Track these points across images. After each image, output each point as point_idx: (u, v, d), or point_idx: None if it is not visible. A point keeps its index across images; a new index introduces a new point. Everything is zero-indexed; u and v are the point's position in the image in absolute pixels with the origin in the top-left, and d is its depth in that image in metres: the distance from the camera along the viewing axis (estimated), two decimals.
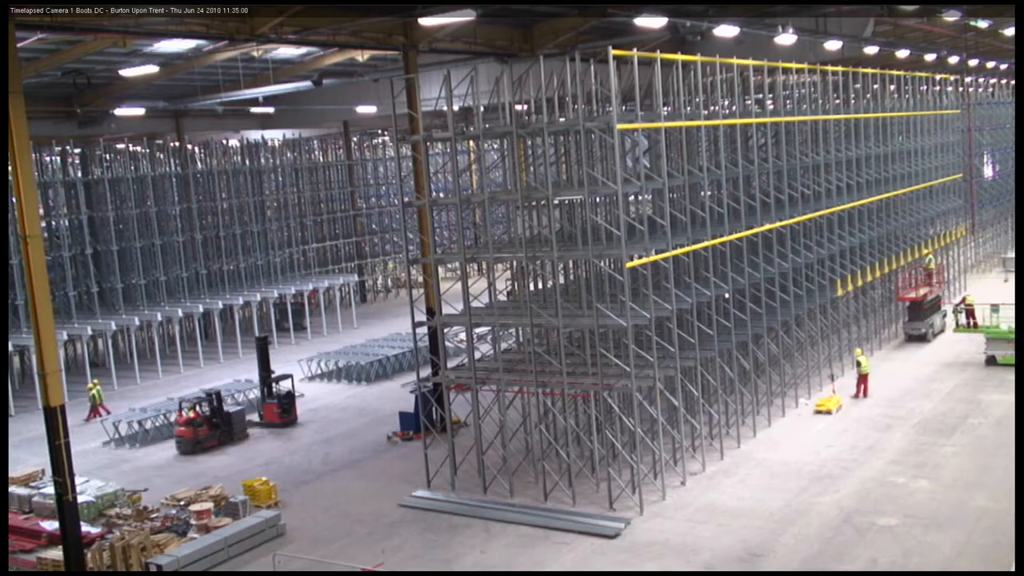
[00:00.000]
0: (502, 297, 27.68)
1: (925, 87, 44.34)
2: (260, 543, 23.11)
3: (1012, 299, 32.69)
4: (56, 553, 22.47)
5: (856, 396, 31.03)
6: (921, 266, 39.86)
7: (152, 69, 37.24)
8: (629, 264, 23.16)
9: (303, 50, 41.85)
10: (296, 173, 56.49)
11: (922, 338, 37.68)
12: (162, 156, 51.11)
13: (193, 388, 39.77)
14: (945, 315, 39.11)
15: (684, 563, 20.47)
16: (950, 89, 48.05)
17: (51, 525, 24.15)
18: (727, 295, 27.25)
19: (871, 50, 42.34)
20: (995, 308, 34.31)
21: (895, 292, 39.13)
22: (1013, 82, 62.79)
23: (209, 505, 24.75)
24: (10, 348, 38.58)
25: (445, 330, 26.95)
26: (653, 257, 23.77)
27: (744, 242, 27.85)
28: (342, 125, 63.95)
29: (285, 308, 50.77)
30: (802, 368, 32.25)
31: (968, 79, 55.34)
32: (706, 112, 27.76)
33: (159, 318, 44.43)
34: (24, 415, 37.13)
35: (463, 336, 27.19)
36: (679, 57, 27.21)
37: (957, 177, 47.66)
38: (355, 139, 65.42)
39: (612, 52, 22.40)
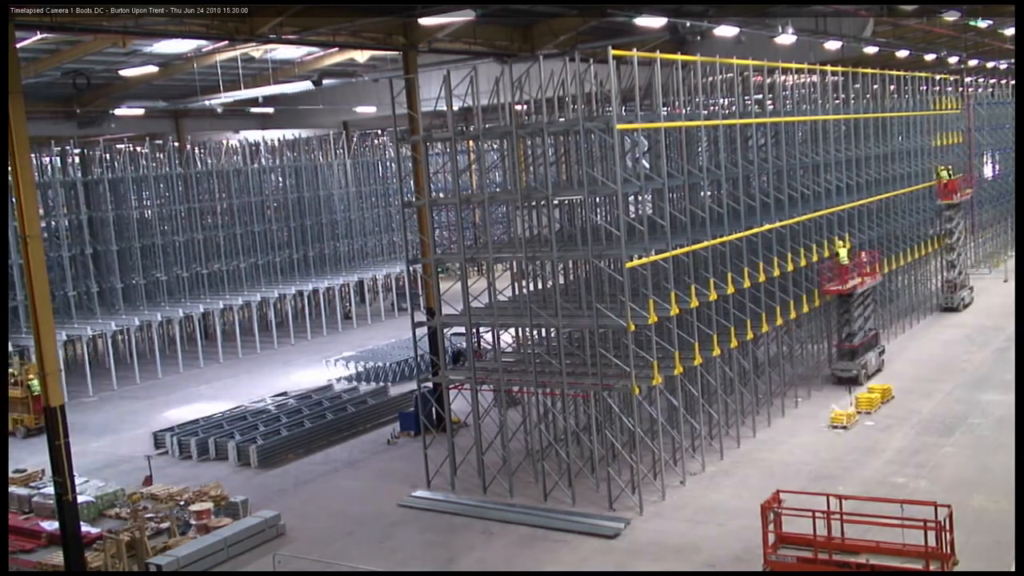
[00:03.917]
0: (503, 297, 27.66)
1: (925, 87, 44.37)
2: (260, 543, 23.11)
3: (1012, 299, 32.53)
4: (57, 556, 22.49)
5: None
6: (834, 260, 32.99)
7: (152, 69, 37.27)
8: (629, 264, 23.17)
9: (303, 50, 41.87)
10: (296, 173, 56.48)
11: (853, 380, 32.29)
12: (162, 156, 51.11)
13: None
14: (883, 351, 34.84)
15: (684, 563, 20.48)
16: (950, 89, 48.06)
17: (51, 525, 24.15)
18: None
19: (871, 50, 42.35)
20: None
21: (819, 286, 32.50)
22: (1013, 82, 62.79)
23: (209, 505, 24.77)
24: (10, 348, 38.56)
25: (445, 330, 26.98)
26: (653, 257, 23.77)
27: (744, 242, 27.84)
28: (342, 125, 63.98)
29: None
30: (802, 368, 32.25)
31: (968, 79, 55.36)
32: (706, 112, 27.77)
33: (159, 318, 44.47)
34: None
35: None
36: (679, 57, 27.21)
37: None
38: (354, 138, 65.46)
39: (612, 52, 22.42)
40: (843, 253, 32.86)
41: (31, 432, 34.37)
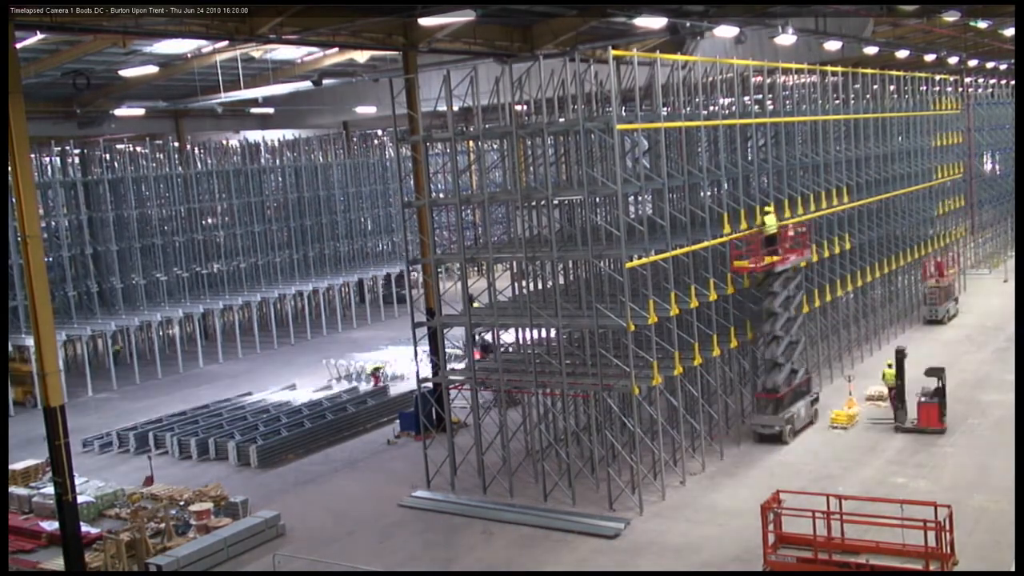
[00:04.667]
0: (503, 297, 27.66)
1: (925, 87, 44.36)
2: (260, 543, 23.11)
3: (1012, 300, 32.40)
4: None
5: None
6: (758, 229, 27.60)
7: (152, 69, 37.29)
8: (629, 264, 23.17)
9: (303, 50, 41.89)
10: (296, 173, 56.46)
11: (776, 438, 27.08)
12: (162, 156, 51.09)
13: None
14: (815, 400, 29.09)
15: (684, 563, 20.48)
16: (950, 89, 48.05)
17: (51, 525, 24.15)
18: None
19: (871, 50, 42.34)
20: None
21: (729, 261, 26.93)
22: (1013, 82, 62.81)
23: (209, 505, 24.77)
24: (10, 348, 38.56)
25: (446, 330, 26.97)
26: (653, 258, 23.77)
27: (744, 242, 27.82)
28: (342, 125, 63.96)
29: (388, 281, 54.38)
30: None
31: (968, 79, 55.35)
32: (706, 112, 27.77)
33: (159, 319, 44.46)
34: (23, 415, 37.13)
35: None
36: (679, 57, 27.20)
37: (956, 176, 47.62)
38: (354, 138, 65.45)
39: (612, 52, 22.42)
40: (770, 221, 27.31)
41: None
